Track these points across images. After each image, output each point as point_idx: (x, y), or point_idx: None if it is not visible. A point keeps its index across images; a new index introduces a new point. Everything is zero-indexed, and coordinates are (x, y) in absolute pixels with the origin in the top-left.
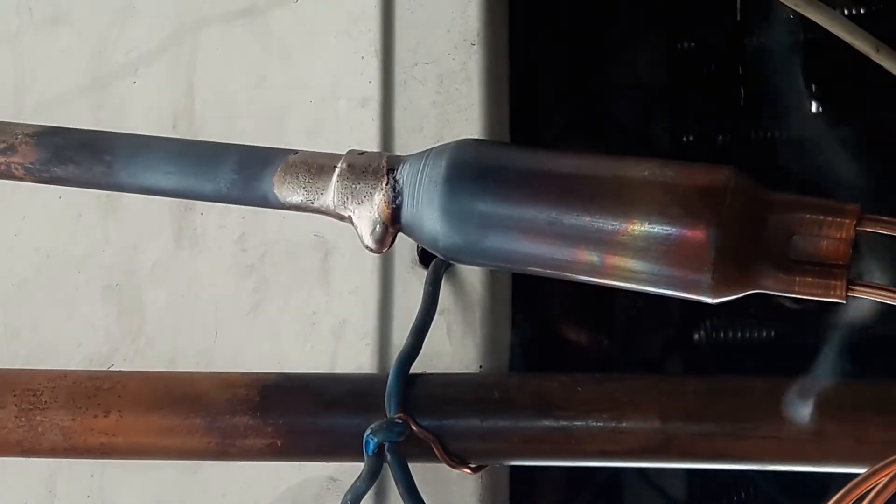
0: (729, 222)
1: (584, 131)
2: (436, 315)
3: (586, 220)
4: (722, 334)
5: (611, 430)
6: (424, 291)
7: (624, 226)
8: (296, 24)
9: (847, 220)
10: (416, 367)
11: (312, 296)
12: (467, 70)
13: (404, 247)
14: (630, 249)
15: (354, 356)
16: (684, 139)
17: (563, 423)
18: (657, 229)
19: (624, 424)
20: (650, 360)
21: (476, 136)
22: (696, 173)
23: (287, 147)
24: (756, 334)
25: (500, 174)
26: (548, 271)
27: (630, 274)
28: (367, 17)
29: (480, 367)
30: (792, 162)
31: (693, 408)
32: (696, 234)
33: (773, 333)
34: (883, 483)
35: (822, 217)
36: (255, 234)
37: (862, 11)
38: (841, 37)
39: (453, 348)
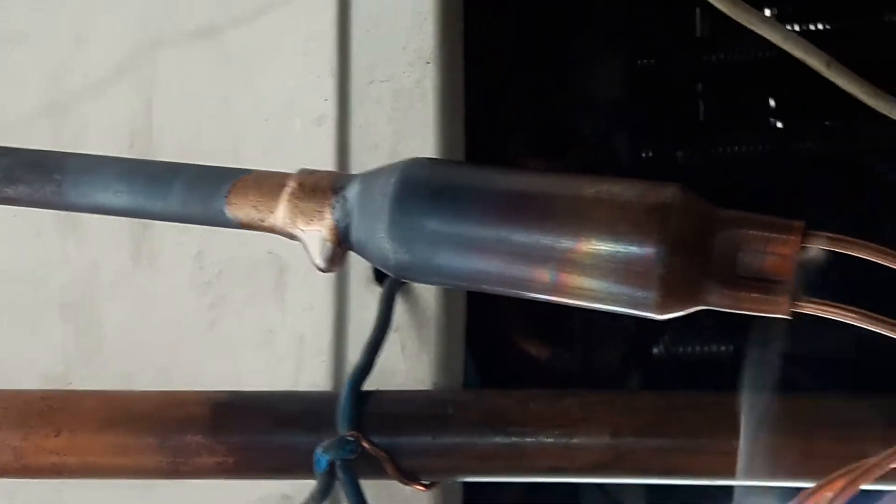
0: (675, 240)
1: (546, 147)
2: (390, 332)
3: (536, 239)
4: (681, 348)
5: (563, 445)
6: (378, 309)
7: (574, 244)
8: (253, 44)
9: (792, 237)
10: (371, 385)
11: (268, 313)
12: (422, 87)
13: (359, 264)
14: (580, 267)
15: (310, 373)
16: (644, 155)
17: (515, 439)
18: (606, 247)
19: (575, 440)
20: (609, 374)
21: (431, 154)
22: (644, 191)
23: (243, 166)
24: (714, 348)
25: (450, 192)
26: (500, 289)
27: (581, 292)
28: (324, 36)
29: (435, 383)
30: (751, 177)
31: (645, 424)
32: (644, 251)
33: (731, 347)
34: (829, 498)
35: (767, 234)
36: (212, 251)
37: (818, 27)
38: (793, 53)
39: (407, 365)
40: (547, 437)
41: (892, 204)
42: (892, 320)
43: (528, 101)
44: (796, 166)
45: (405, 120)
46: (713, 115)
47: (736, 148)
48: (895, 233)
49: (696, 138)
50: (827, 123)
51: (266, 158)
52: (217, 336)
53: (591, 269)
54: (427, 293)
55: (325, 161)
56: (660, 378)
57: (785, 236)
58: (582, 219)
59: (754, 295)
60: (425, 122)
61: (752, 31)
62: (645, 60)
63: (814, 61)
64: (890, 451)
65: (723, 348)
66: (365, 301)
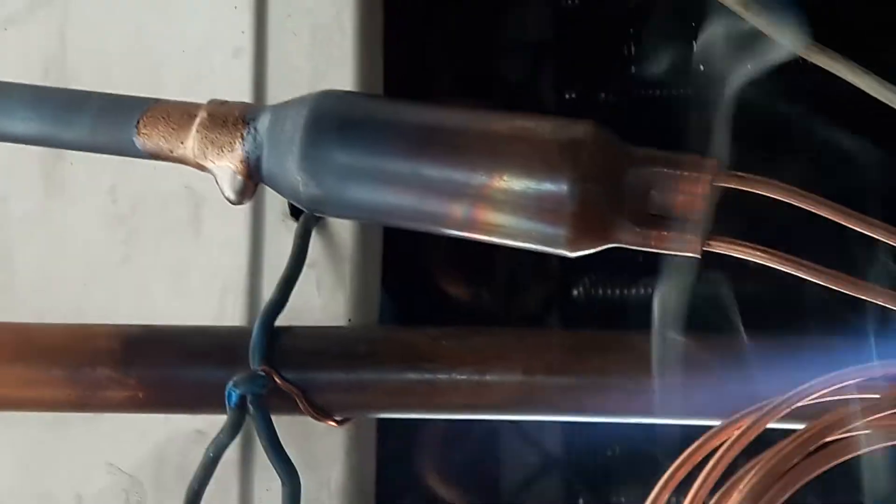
0: (587, 176)
1: (470, 88)
2: (306, 268)
3: (448, 174)
4: (601, 290)
5: (475, 383)
6: (293, 244)
7: (486, 179)
8: None
9: (704, 175)
10: (286, 321)
11: (183, 248)
12: (341, 22)
13: (276, 199)
14: (492, 203)
15: (224, 309)
16: (567, 96)
17: (427, 376)
18: (518, 183)
19: (488, 378)
20: (530, 315)
21: (349, 89)
22: (557, 127)
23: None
24: (634, 290)
25: (360, 124)
26: (413, 224)
27: (493, 228)
28: None
29: (349, 320)
30: (677, 120)
31: (557, 361)
32: (555, 187)
33: (651, 289)
34: (735, 436)
35: (679, 172)
36: (127, 185)
37: None
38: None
39: (322, 301)
40: (459, 374)
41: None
42: (801, 260)
43: (452, 40)
44: (721, 110)
45: (323, 55)
46: (640, 56)
47: (661, 90)
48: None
49: (621, 80)
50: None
51: (184, 91)
52: (131, 271)
53: (503, 205)
54: (343, 229)
55: (241, 95)
56: (580, 320)
57: (696, 174)
58: (494, 154)
59: (664, 233)
60: (343, 58)
61: None
62: (570, 1)
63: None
64: (797, 390)
65: (644, 290)
66: (281, 236)
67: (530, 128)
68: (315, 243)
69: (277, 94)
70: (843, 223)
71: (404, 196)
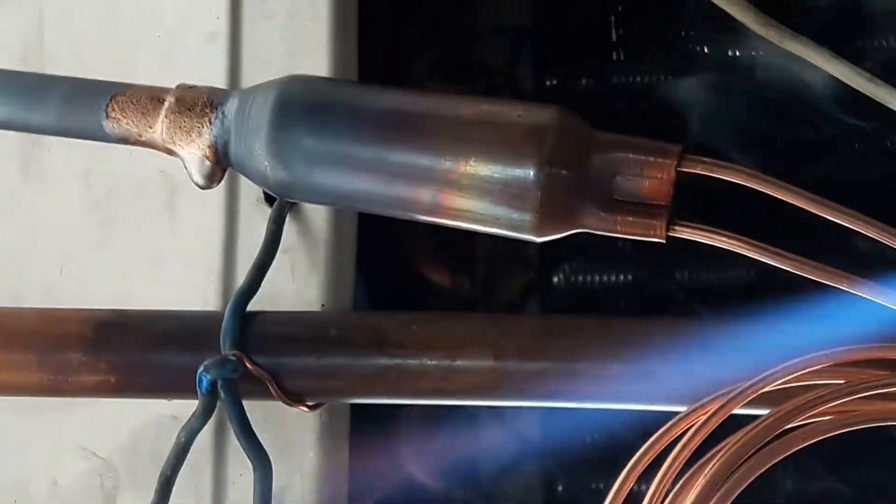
0: (552, 161)
1: (450, 73)
2: (280, 254)
3: (414, 159)
4: (581, 278)
5: (445, 368)
6: (267, 230)
7: (453, 164)
8: None
9: (668, 161)
10: (260, 306)
11: (158, 233)
12: (315, 6)
13: (250, 185)
14: (459, 188)
15: (199, 294)
16: (548, 83)
17: (397, 361)
18: (484, 168)
19: (458, 363)
20: (511, 303)
21: (324, 74)
22: (523, 112)
23: (136, 82)
24: (615, 278)
25: (327, 109)
26: (382, 209)
27: (460, 213)
28: None
29: (323, 305)
30: (657, 108)
31: (527, 347)
32: (521, 172)
33: (630, 277)
34: (700, 422)
35: (644, 157)
36: (102, 169)
37: None
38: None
39: (296, 287)
40: (430, 360)
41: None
42: (765, 245)
43: (432, 25)
44: (703, 95)
45: (297, 39)
46: (621, 44)
47: (640, 78)
48: None
49: (601, 67)
50: (729, 53)
51: (159, 74)
52: (106, 256)
53: (469, 189)
54: (318, 214)
55: (217, 79)
56: (560, 308)
57: (661, 160)
58: (460, 139)
59: (630, 218)
60: (318, 42)
61: None
62: None
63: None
64: (762, 375)
65: (622, 277)
66: (256, 222)
67: (497, 112)
68: (289, 228)
69: (252, 78)
70: (807, 208)
71: (371, 181)
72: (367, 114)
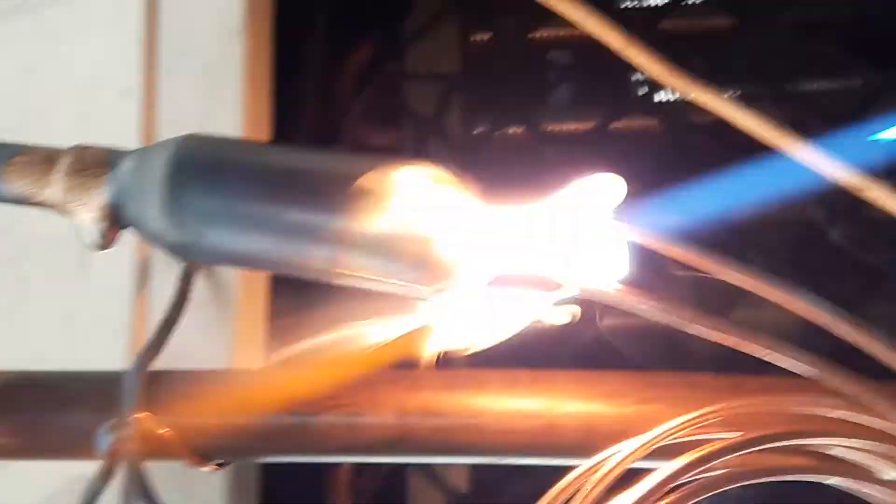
0: (445, 218)
1: (381, 120)
2: (192, 310)
3: (308, 217)
4: None
5: (350, 424)
6: (176, 286)
7: (346, 223)
8: (63, 14)
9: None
10: (170, 364)
11: (71, 292)
12: (229, 61)
13: None
14: (354, 247)
15: (110, 352)
16: (475, 131)
17: (303, 418)
18: (379, 227)
19: (362, 419)
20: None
21: (237, 128)
22: (391, 166)
23: (54, 139)
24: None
25: (221, 168)
26: (279, 269)
27: (357, 272)
28: (132, 6)
29: (232, 362)
30: (581, 155)
31: (430, 402)
32: (414, 230)
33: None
34: (599, 475)
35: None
36: (15, 228)
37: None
38: (592, 33)
39: (207, 344)
40: (335, 416)
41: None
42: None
43: (364, 72)
44: (624, 144)
45: (212, 93)
46: (547, 91)
47: (566, 126)
48: None
49: (528, 114)
50: (658, 100)
51: (76, 131)
52: (18, 315)
53: (365, 247)
54: (228, 271)
55: (131, 134)
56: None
57: (564, 224)
58: (353, 197)
59: (526, 277)
60: (232, 96)
61: None
62: (480, 36)
63: (612, 40)
64: (659, 429)
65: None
66: (168, 279)
67: (387, 171)
68: (201, 284)
69: (166, 134)
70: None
71: (266, 241)
72: (262, 172)
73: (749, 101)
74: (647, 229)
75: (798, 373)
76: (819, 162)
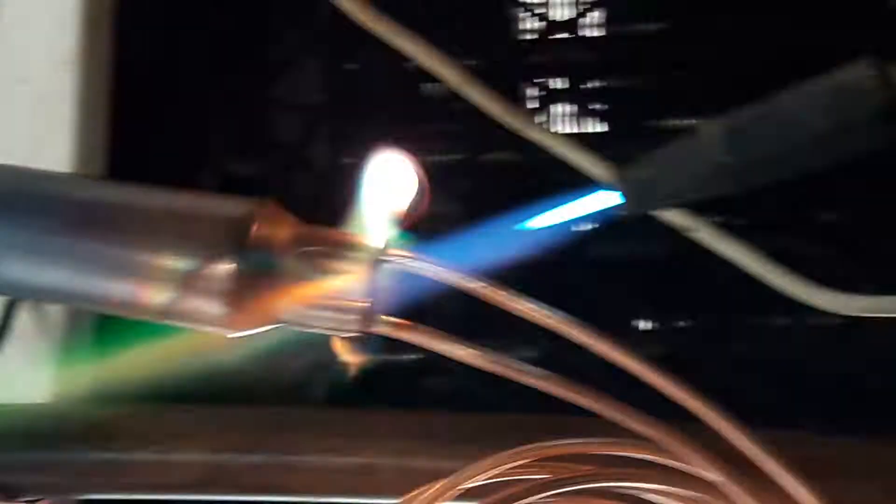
0: (247, 255)
1: (247, 150)
2: (15, 342)
3: (105, 251)
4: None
5: (161, 462)
6: None
7: (146, 257)
8: None
9: (366, 255)
10: None
11: None
12: (62, 91)
13: None
14: (152, 281)
15: None
16: (343, 161)
17: (114, 455)
18: (179, 261)
19: (174, 457)
20: (296, 385)
21: (68, 159)
22: (223, 205)
23: None
24: (400, 357)
25: (16, 199)
26: (77, 303)
27: (154, 307)
28: None
29: (55, 395)
30: (453, 186)
31: (244, 440)
32: (215, 267)
33: (414, 356)
34: None
35: (343, 251)
36: None
37: None
38: (428, 67)
39: (28, 376)
40: (146, 454)
41: None
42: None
43: (229, 102)
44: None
45: (44, 124)
46: (417, 123)
47: (431, 157)
48: None
49: (398, 146)
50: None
51: None
52: None
53: (163, 284)
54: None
55: None
56: (343, 388)
57: (360, 254)
58: (155, 232)
59: (328, 314)
60: (63, 127)
61: None
62: (349, 65)
63: (448, 74)
64: (467, 469)
65: (408, 357)
66: None
67: (194, 206)
68: (24, 317)
69: None
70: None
71: (61, 274)
72: (59, 205)
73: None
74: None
75: (606, 417)
76: None
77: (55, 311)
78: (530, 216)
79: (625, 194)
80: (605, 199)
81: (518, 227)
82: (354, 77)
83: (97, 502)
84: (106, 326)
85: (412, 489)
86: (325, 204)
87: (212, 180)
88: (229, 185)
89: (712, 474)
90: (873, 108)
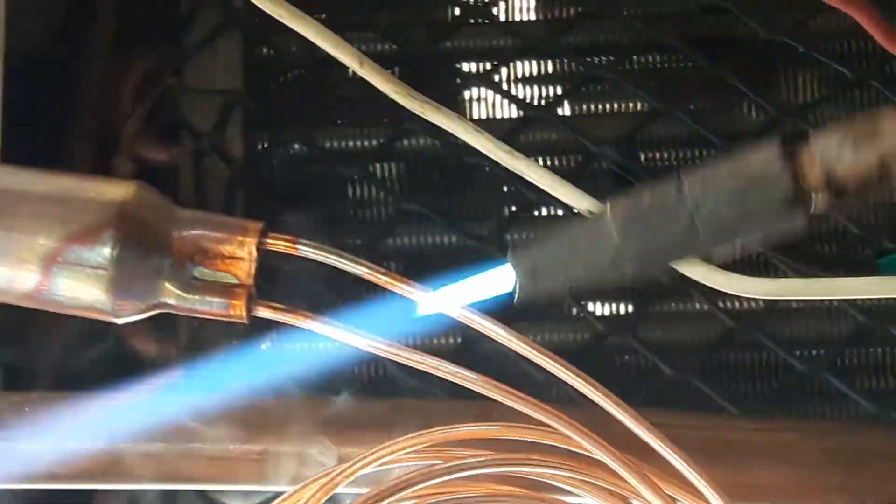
0: (127, 240)
1: (160, 136)
2: None
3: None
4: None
5: (56, 451)
6: None
7: (24, 242)
8: None
9: (249, 239)
10: None
11: None
12: None
13: None
14: (33, 267)
15: None
16: (259, 147)
17: (9, 444)
18: (57, 246)
19: (69, 445)
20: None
21: None
22: (100, 189)
23: None
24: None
25: None
26: None
27: (39, 293)
28: None
29: None
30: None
31: (141, 426)
32: (94, 251)
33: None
34: (307, 495)
35: (225, 235)
36: None
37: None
38: (325, 49)
39: None
40: (42, 442)
41: None
42: (343, 325)
43: (143, 86)
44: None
45: None
46: (330, 108)
47: (346, 143)
48: None
49: (311, 133)
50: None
51: None
52: None
53: (44, 270)
54: None
55: None
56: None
57: (241, 237)
58: (33, 216)
59: (210, 298)
60: None
61: None
62: (264, 50)
63: (347, 58)
64: (364, 455)
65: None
66: None
67: (72, 189)
68: None
69: None
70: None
71: None
72: None
73: None
74: None
75: (505, 403)
76: None
77: None
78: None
79: (518, 277)
80: (500, 281)
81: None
82: (270, 62)
83: None
84: None
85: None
86: (239, 190)
87: (124, 168)
88: (144, 172)
89: (603, 455)
90: (781, 198)
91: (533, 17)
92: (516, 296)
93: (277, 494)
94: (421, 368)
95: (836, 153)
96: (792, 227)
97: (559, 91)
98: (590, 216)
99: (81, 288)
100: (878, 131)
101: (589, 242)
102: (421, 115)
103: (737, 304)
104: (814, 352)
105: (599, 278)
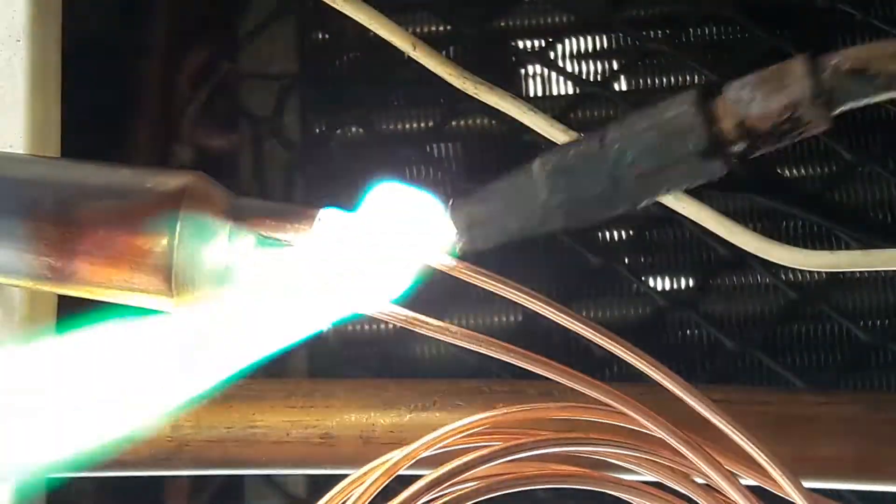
0: (185, 230)
1: (218, 122)
2: None
3: (50, 229)
4: (351, 327)
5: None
6: None
7: (87, 233)
8: None
9: (305, 227)
10: None
11: None
12: (12, 66)
13: None
14: (95, 258)
15: None
16: (317, 130)
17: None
18: (118, 238)
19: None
20: None
21: (22, 135)
22: (158, 179)
23: None
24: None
25: None
26: (26, 282)
27: (99, 284)
28: None
29: None
30: (417, 156)
31: (204, 414)
32: (153, 243)
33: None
34: (370, 480)
35: (282, 223)
36: None
37: None
38: (380, 34)
39: None
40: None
41: None
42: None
43: (200, 73)
44: (464, 141)
45: None
46: (386, 90)
47: (402, 125)
48: None
49: (368, 116)
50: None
51: None
52: None
53: (105, 260)
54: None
55: None
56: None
57: (298, 225)
58: (95, 209)
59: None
60: (15, 103)
61: None
62: (319, 35)
63: (400, 42)
64: (424, 439)
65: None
66: None
67: (129, 180)
68: None
69: None
70: None
71: (6, 251)
72: (4, 183)
73: None
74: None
75: (563, 383)
76: None
77: (18, 293)
78: None
79: (457, 230)
80: (439, 235)
81: None
82: (325, 46)
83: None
84: (68, 309)
85: (372, 458)
86: (298, 174)
87: (184, 154)
88: (203, 159)
89: (664, 433)
90: (696, 146)
91: None
92: (455, 249)
93: (341, 477)
94: (478, 350)
95: (747, 101)
96: (711, 174)
97: (615, 66)
98: (521, 170)
99: (142, 279)
100: (787, 78)
101: (520, 196)
102: (475, 95)
103: (798, 275)
104: (878, 322)
105: (532, 231)
